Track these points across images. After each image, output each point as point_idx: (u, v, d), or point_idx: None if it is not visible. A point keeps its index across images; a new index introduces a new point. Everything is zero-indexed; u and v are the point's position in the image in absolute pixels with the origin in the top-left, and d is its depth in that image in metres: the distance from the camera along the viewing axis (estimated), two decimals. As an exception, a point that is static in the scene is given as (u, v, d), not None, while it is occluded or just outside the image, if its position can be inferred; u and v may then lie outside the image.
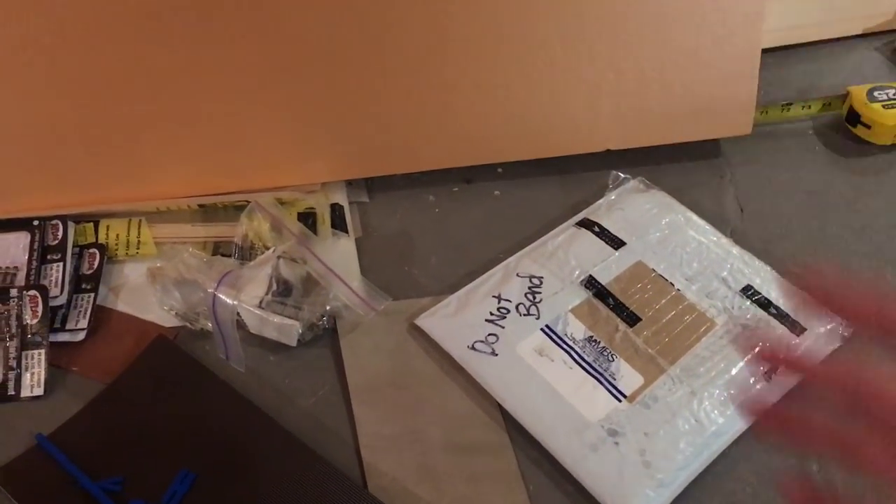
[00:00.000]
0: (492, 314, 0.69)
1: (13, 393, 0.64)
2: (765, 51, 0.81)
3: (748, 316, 0.69)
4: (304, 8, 0.72)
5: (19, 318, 0.66)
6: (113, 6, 0.69)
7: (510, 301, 0.70)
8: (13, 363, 0.64)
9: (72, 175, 0.74)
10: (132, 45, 0.70)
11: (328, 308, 0.69)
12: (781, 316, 0.69)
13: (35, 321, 0.66)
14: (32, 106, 0.71)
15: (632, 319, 0.68)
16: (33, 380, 0.64)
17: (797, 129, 0.88)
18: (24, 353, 0.65)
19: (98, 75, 0.71)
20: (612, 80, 0.79)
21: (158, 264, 0.71)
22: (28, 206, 0.73)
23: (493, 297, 0.70)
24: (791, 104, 0.86)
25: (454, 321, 0.69)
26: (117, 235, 0.73)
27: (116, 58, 0.71)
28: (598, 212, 0.78)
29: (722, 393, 0.64)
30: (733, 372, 0.65)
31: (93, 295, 0.69)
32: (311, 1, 0.71)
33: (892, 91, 0.85)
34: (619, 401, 0.63)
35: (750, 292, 0.71)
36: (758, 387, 0.64)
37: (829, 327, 0.69)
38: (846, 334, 0.69)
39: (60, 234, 0.71)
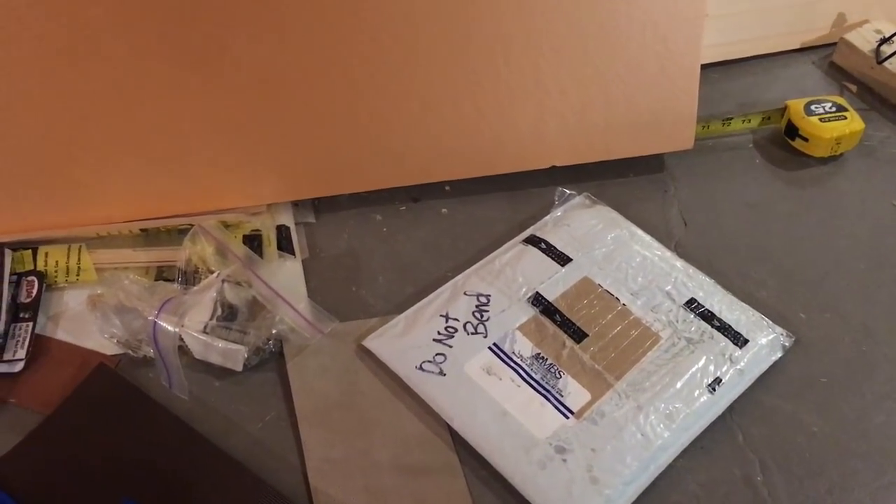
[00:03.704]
0: (439, 333, 0.69)
1: (-53, 427, 0.62)
2: (705, 66, 0.83)
3: (692, 329, 0.70)
4: (245, 30, 0.71)
5: (-46, 350, 0.64)
6: (47, 28, 0.67)
7: (458, 320, 0.70)
8: (-53, 397, 0.63)
9: (8, 201, 0.72)
10: (66, 65, 0.69)
11: (274, 332, 0.68)
12: (724, 328, 0.70)
13: (-30, 353, 0.64)
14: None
15: (578, 336, 0.69)
16: (-31, 413, 0.62)
17: (738, 142, 0.90)
18: (-41, 386, 0.63)
19: (32, 96, 0.70)
20: (557, 98, 0.80)
21: (99, 291, 0.69)
22: (-37, 233, 0.71)
23: (441, 316, 0.70)
24: (732, 118, 0.88)
25: (402, 342, 0.69)
26: (56, 262, 0.72)
27: (50, 78, 0.69)
28: (544, 228, 0.78)
29: (667, 406, 0.64)
30: (678, 385, 0.66)
31: (31, 324, 0.68)
32: (251, 23, 0.71)
33: (829, 104, 0.87)
34: (567, 417, 0.64)
35: (693, 305, 0.72)
36: (702, 399, 0.65)
37: (770, 338, 0.70)
38: (787, 345, 0.70)
39: (-3, 262, 0.70)
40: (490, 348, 0.68)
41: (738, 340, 0.69)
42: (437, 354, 0.67)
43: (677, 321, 0.70)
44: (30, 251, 0.72)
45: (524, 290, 0.72)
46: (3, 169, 0.71)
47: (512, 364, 0.67)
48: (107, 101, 0.71)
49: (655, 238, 0.78)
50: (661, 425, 0.63)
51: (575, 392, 0.65)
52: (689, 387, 0.66)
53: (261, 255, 0.74)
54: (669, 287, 0.73)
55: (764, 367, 0.68)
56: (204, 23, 0.70)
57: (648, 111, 0.82)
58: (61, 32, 0.68)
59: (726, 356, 0.68)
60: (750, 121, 0.88)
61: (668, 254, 0.76)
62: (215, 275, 0.69)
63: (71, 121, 0.71)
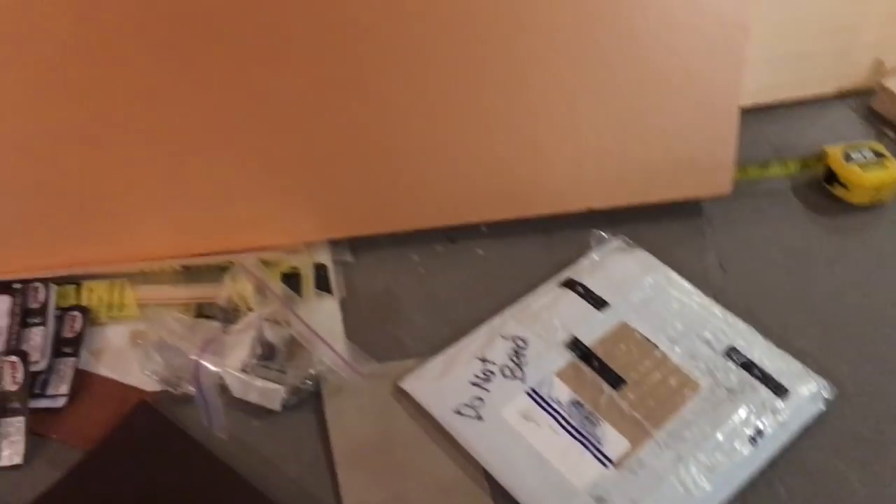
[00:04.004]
0: (477, 377, 0.69)
1: (-10, 462, 0.62)
2: (742, 110, 0.83)
3: (732, 379, 0.69)
4: (289, 70, 0.72)
5: (-2, 384, 0.65)
6: (92, 66, 0.69)
7: (495, 363, 0.70)
8: (-9, 431, 0.63)
9: (53, 237, 0.74)
10: (112, 106, 0.71)
11: (312, 371, 0.68)
12: (765, 378, 0.69)
13: (14, 388, 0.65)
14: (12, 168, 0.71)
15: (616, 382, 0.69)
16: (12, 448, 0.63)
17: (776, 187, 0.89)
18: (2, 421, 0.64)
19: (78, 136, 0.71)
20: (595, 141, 0.80)
21: (141, 328, 0.70)
22: (9, 268, 0.72)
23: (478, 359, 0.70)
24: (769, 163, 0.88)
25: (439, 384, 0.69)
26: (99, 298, 0.73)
27: (97, 118, 0.71)
28: (581, 271, 0.78)
29: (708, 458, 0.64)
30: (719, 436, 0.65)
31: (74, 359, 0.69)
32: (295, 63, 0.72)
33: (868, 151, 0.87)
34: (606, 466, 0.63)
35: (733, 354, 0.71)
36: (744, 451, 0.64)
37: (812, 389, 0.69)
38: (829, 396, 0.69)
39: (42, 297, 0.71)
40: (528, 393, 0.68)
41: (780, 391, 0.68)
42: (474, 398, 0.67)
43: (717, 370, 0.70)
44: (74, 286, 0.73)
45: (561, 334, 0.72)
46: (48, 205, 0.73)
47: (550, 410, 0.67)
48: (151, 140, 0.73)
49: (692, 283, 0.77)
50: (703, 477, 0.63)
51: (613, 440, 0.65)
52: (730, 438, 0.65)
53: (299, 293, 0.74)
54: (708, 334, 0.73)
55: (806, 419, 0.68)
56: (245, 63, 0.72)
57: (686, 155, 0.82)
58: (108, 76, 0.69)
59: (767, 407, 0.67)
60: (788, 166, 0.88)
61: (707, 300, 0.76)
62: (255, 314, 0.69)
63: (116, 159, 0.72)
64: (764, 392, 0.68)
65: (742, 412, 0.66)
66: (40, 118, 0.70)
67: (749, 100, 0.95)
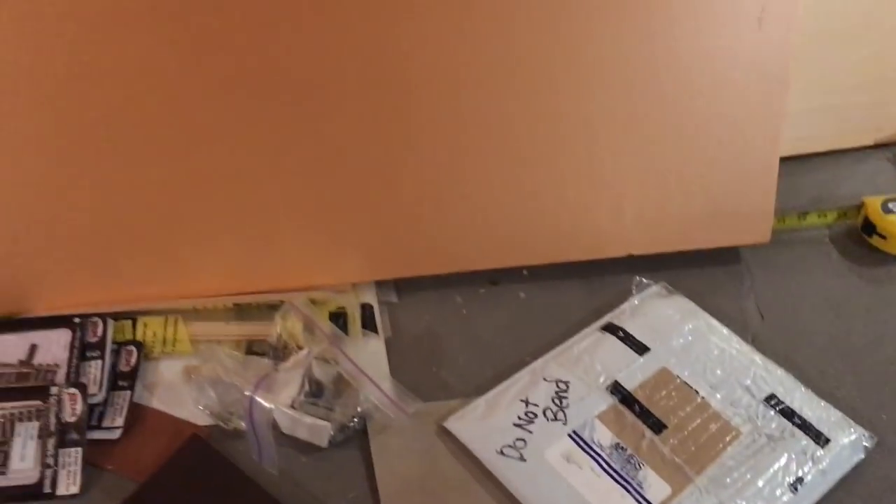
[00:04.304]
0: (520, 418, 0.70)
1: (49, 491, 0.64)
2: (781, 160, 0.85)
3: (773, 426, 0.70)
4: (341, 118, 0.75)
5: (58, 415, 0.67)
6: (156, 112, 0.72)
7: (537, 405, 0.71)
8: (50, 461, 0.65)
9: (112, 274, 0.76)
10: (170, 150, 0.74)
11: (359, 409, 0.70)
12: (805, 427, 0.70)
13: (73, 419, 0.67)
14: (76, 208, 0.74)
15: (658, 427, 0.70)
16: (70, 478, 0.65)
17: (814, 237, 0.90)
18: (61, 451, 0.66)
19: (138, 180, 0.74)
20: (636, 189, 0.82)
21: (194, 363, 0.72)
22: (69, 302, 0.75)
23: (521, 400, 0.72)
24: (807, 213, 0.89)
25: (482, 425, 0.70)
26: (154, 333, 0.75)
27: (154, 163, 0.74)
28: (622, 316, 0.80)
29: (749, 504, 0.64)
30: (759, 483, 0.66)
31: (129, 392, 0.71)
32: (347, 111, 0.75)
33: (906, 202, 0.88)
34: (648, 511, 0.64)
35: (773, 402, 0.72)
36: (784, 499, 0.65)
37: (852, 438, 0.69)
38: (869, 446, 0.70)
39: (100, 331, 0.73)
40: (570, 436, 0.69)
41: (820, 439, 0.69)
42: (517, 439, 0.68)
43: (757, 417, 0.71)
44: (129, 321, 0.76)
45: (603, 378, 0.73)
46: (108, 243, 0.75)
47: (592, 453, 0.68)
48: (207, 183, 0.75)
49: (732, 330, 0.79)
50: (743, 524, 0.63)
51: (655, 485, 0.66)
52: (770, 485, 0.66)
53: (346, 332, 0.76)
54: (748, 381, 0.73)
55: (846, 468, 0.68)
56: (299, 111, 0.74)
57: (726, 204, 0.84)
58: (170, 121, 0.73)
59: (808, 455, 0.67)
60: (826, 216, 0.89)
61: (746, 347, 0.77)
62: (305, 352, 0.71)
63: (173, 200, 0.75)
64: (804, 440, 0.69)
65: (783, 459, 0.67)
66: (105, 161, 0.73)
67: (788, 150, 0.97)
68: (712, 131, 0.82)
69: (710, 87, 0.80)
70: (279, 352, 0.73)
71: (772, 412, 0.71)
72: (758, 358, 0.76)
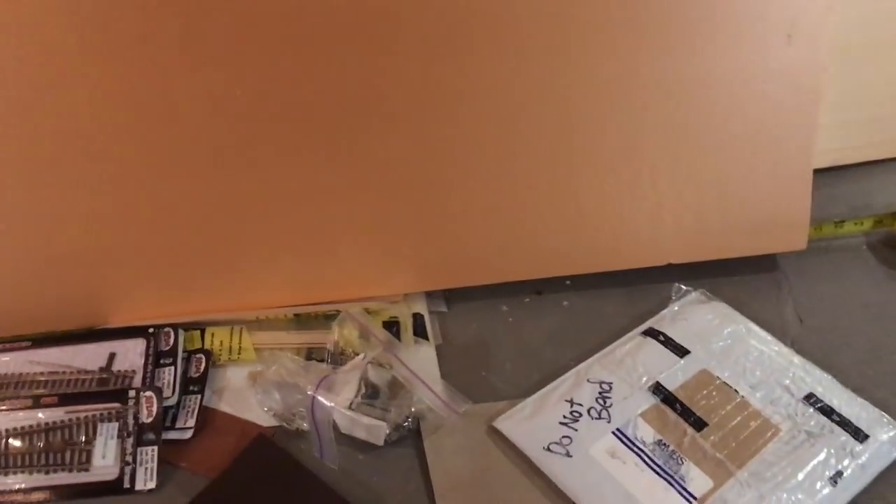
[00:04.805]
0: (565, 417, 0.74)
1: (128, 486, 0.70)
2: (816, 170, 0.87)
3: (812, 423, 0.72)
4: (387, 136, 0.80)
5: (136, 417, 0.72)
6: (220, 136, 0.77)
7: (582, 405, 0.74)
8: (129, 458, 0.70)
9: (182, 288, 0.82)
10: (234, 174, 0.79)
11: (413, 410, 0.74)
12: (844, 423, 0.72)
13: (150, 420, 0.72)
14: (149, 227, 0.79)
15: (699, 424, 0.72)
16: (147, 474, 0.70)
17: (851, 244, 0.93)
18: (139, 450, 0.71)
19: (206, 200, 0.79)
20: (674, 199, 0.85)
21: (258, 369, 0.77)
22: (143, 314, 0.81)
23: (566, 401, 0.75)
24: (844, 221, 0.91)
25: (530, 423, 0.74)
26: (221, 342, 0.81)
27: (221, 185, 0.79)
28: (662, 322, 0.83)
29: (790, 497, 0.67)
30: (800, 477, 0.68)
31: (199, 396, 0.76)
32: (400, 130, 0.80)
33: (942, 208, 0.89)
34: (691, 503, 0.67)
35: (812, 400, 0.74)
36: (824, 492, 0.67)
37: (891, 434, 0.71)
38: (908, 441, 0.71)
39: (172, 340, 0.79)
40: (614, 433, 0.72)
41: (859, 435, 0.71)
42: (563, 437, 0.72)
43: (797, 414, 0.73)
44: (198, 331, 0.81)
45: (645, 378, 0.76)
46: (178, 259, 0.81)
47: (635, 449, 0.71)
48: (269, 202, 0.80)
49: (771, 334, 0.81)
50: (784, 515, 0.66)
51: (697, 479, 0.68)
52: (810, 479, 0.68)
53: (399, 339, 0.81)
54: (788, 381, 0.76)
55: (885, 463, 0.70)
56: (355, 131, 0.79)
57: (762, 213, 0.86)
58: (237, 141, 0.78)
59: (847, 450, 0.70)
60: (862, 223, 0.91)
61: (785, 349, 0.79)
62: (361, 357, 0.76)
63: (238, 218, 0.80)
64: (843, 436, 0.71)
65: (822, 455, 0.69)
66: (176, 183, 0.78)
67: (824, 162, 0.99)
68: (748, 142, 0.84)
69: (744, 100, 0.83)
70: (337, 357, 0.78)
71: (811, 410, 0.73)
72: (797, 359, 0.78)
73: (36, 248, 0.78)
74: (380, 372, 0.76)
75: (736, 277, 0.88)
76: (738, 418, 0.73)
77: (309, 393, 0.70)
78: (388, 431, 0.72)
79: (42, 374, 0.76)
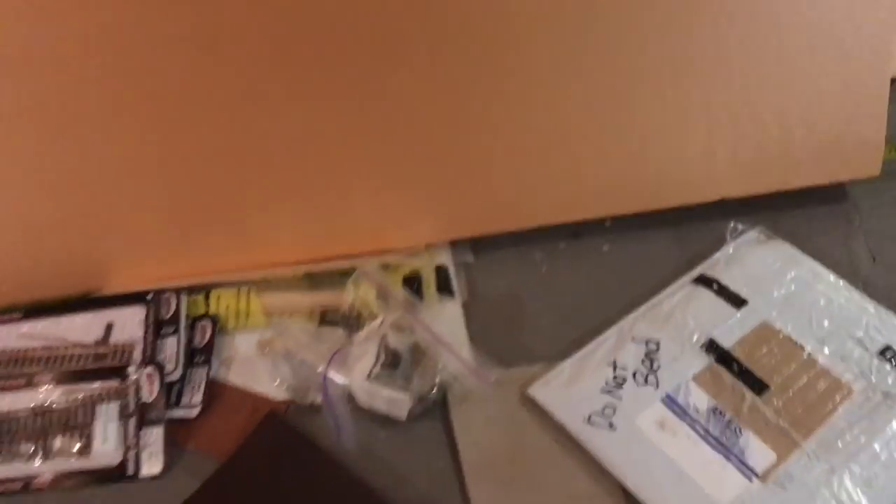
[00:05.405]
0: (607, 383, 0.66)
1: (132, 472, 0.64)
2: (893, 80, 0.77)
3: (889, 381, 0.64)
4: (411, 73, 0.71)
5: (137, 395, 0.67)
6: (216, 86, 0.70)
7: (626, 369, 0.67)
8: (132, 442, 0.65)
9: (182, 246, 0.75)
10: (237, 118, 0.71)
11: (438, 379, 0.67)
12: (927, 382, 0.63)
13: (153, 398, 0.67)
14: (145, 182, 0.73)
15: (759, 387, 0.64)
16: (152, 458, 0.65)
17: (931, 166, 0.82)
18: (142, 431, 0.66)
19: (205, 149, 0.72)
20: (728, 125, 0.76)
21: (268, 335, 0.71)
22: (142, 278, 0.74)
23: (608, 364, 0.67)
24: (925, 140, 0.80)
25: (568, 391, 0.66)
26: (227, 306, 0.74)
27: (222, 132, 0.72)
28: (715, 267, 0.74)
29: (865, 470, 0.59)
30: (876, 446, 0.60)
31: (206, 368, 0.70)
32: (417, 66, 0.71)
33: None
34: (751, 480, 0.60)
35: (889, 354, 0.66)
36: (905, 464, 0.59)
37: (983, 394, 0.63)
38: None
39: (173, 306, 0.73)
40: (662, 401, 0.65)
41: (945, 396, 0.63)
42: (605, 406, 0.65)
43: (871, 372, 0.65)
44: (202, 295, 0.75)
45: (696, 335, 0.68)
46: (177, 214, 0.74)
47: (687, 419, 0.63)
48: (274, 146, 0.73)
49: (840, 276, 0.72)
50: (859, 491, 0.58)
51: (758, 451, 0.61)
52: (889, 448, 0.60)
53: (420, 297, 0.74)
54: (861, 333, 0.67)
55: (976, 425, 0.62)
56: (367, 68, 0.71)
57: (829, 136, 0.77)
58: (238, 91, 0.70)
59: (929, 416, 0.62)
60: (946, 142, 0.81)
61: (857, 295, 0.71)
62: (379, 321, 0.69)
63: (241, 169, 0.73)
64: (927, 398, 0.63)
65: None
66: (170, 130, 0.71)
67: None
68: (814, 55, 0.74)
69: (809, 7, 0.73)
70: (352, 321, 0.71)
71: (888, 366, 0.65)
72: (870, 306, 0.70)
73: (24, 207, 0.72)
74: (400, 336, 0.69)
75: (799, 211, 0.79)
76: (805, 379, 0.65)
77: (320, 371, 0.63)
78: (411, 405, 0.66)
79: (35, 349, 0.71)
